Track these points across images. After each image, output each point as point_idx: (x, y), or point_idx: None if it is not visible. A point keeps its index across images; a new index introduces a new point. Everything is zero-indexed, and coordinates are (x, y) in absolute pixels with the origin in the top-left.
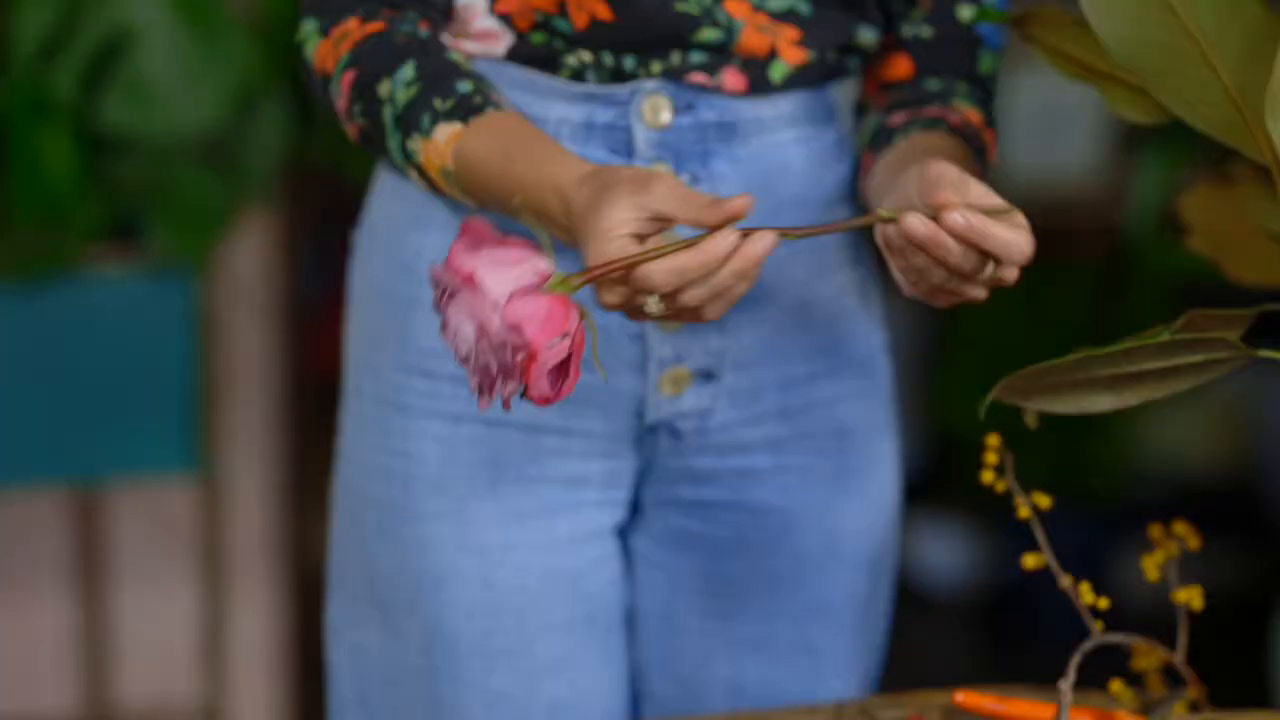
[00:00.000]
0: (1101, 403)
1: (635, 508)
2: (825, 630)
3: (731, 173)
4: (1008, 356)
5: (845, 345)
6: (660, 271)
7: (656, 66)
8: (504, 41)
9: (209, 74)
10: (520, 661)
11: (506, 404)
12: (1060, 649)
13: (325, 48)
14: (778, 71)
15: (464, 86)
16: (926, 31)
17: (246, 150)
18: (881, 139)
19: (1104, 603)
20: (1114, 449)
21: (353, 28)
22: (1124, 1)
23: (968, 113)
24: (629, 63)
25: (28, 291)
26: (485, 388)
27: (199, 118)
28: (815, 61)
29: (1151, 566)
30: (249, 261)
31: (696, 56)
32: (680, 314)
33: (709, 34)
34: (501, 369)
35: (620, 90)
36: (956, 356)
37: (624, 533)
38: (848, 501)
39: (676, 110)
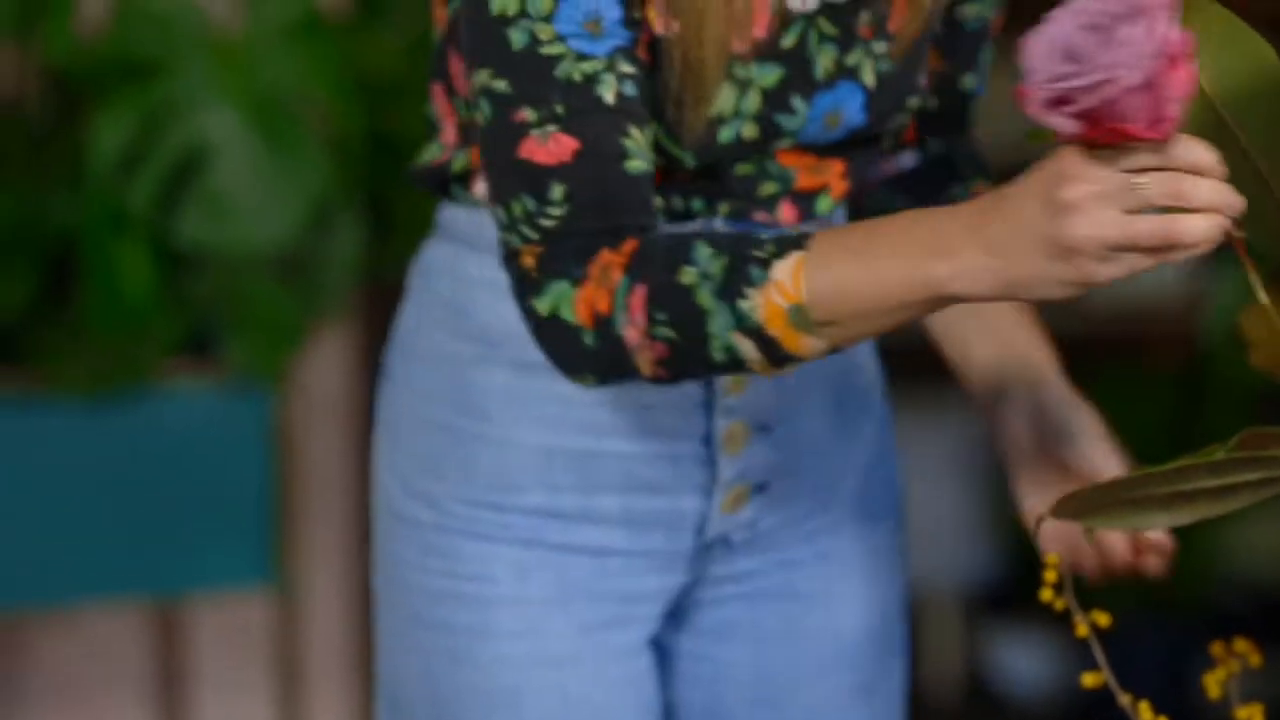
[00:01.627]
0: (1156, 521)
1: (675, 611)
2: (871, 712)
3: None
4: None
5: (865, 435)
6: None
7: (724, 208)
8: None
9: (285, 189)
10: None
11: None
12: None
13: (588, 292)
14: (824, 205)
15: (768, 234)
16: (932, 103)
17: (322, 265)
18: None
19: None
20: (1201, 556)
21: (608, 258)
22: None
23: (980, 190)
24: (697, 204)
25: (105, 406)
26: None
27: (275, 233)
28: (853, 190)
29: (1213, 684)
30: (325, 376)
31: (753, 202)
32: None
33: (768, 189)
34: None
35: (687, 224)
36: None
37: (658, 635)
38: (883, 585)
39: None
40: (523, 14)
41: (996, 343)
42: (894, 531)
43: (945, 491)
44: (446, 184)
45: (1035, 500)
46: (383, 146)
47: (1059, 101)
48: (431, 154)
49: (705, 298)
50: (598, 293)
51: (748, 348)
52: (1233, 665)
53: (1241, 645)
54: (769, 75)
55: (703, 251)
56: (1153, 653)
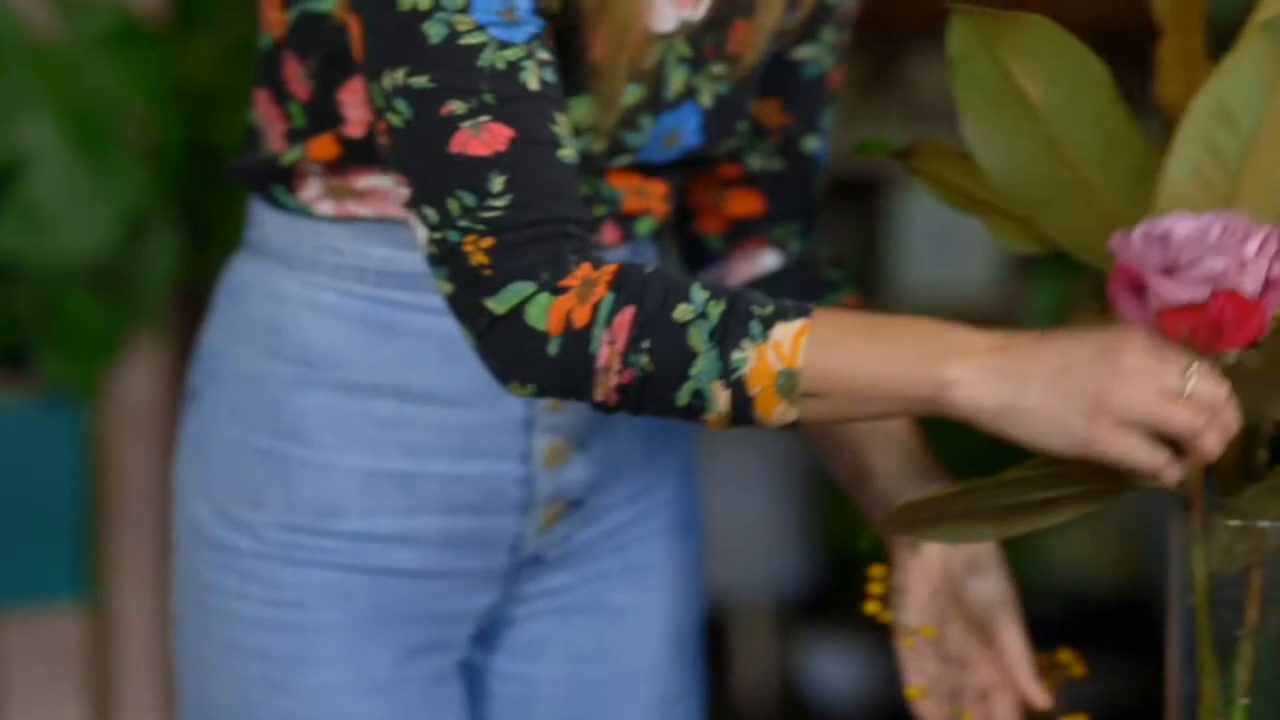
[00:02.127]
0: (984, 534)
1: (485, 631)
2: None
3: None
4: None
5: (674, 448)
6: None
7: None
8: (391, 201)
9: (101, 199)
10: None
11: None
12: None
13: (566, 303)
14: (644, 227)
15: (759, 293)
16: (776, 164)
17: (137, 276)
18: None
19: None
20: (1019, 566)
21: (591, 273)
22: (1007, 134)
23: (851, 304)
24: None
25: None
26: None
27: (90, 244)
28: (670, 215)
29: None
30: (139, 388)
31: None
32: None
33: (598, 211)
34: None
35: None
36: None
37: (468, 656)
38: (687, 598)
39: None
40: (437, 7)
41: (897, 458)
42: (697, 544)
43: (756, 501)
44: (267, 182)
45: (918, 670)
46: (199, 156)
47: (1126, 276)
48: (255, 153)
49: (698, 338)
50: (579, 306)
51: (721, 400)
52: (1057, 676)
53: (1065, 655)
54: (632, 94)
55: (700, 293)
56: None
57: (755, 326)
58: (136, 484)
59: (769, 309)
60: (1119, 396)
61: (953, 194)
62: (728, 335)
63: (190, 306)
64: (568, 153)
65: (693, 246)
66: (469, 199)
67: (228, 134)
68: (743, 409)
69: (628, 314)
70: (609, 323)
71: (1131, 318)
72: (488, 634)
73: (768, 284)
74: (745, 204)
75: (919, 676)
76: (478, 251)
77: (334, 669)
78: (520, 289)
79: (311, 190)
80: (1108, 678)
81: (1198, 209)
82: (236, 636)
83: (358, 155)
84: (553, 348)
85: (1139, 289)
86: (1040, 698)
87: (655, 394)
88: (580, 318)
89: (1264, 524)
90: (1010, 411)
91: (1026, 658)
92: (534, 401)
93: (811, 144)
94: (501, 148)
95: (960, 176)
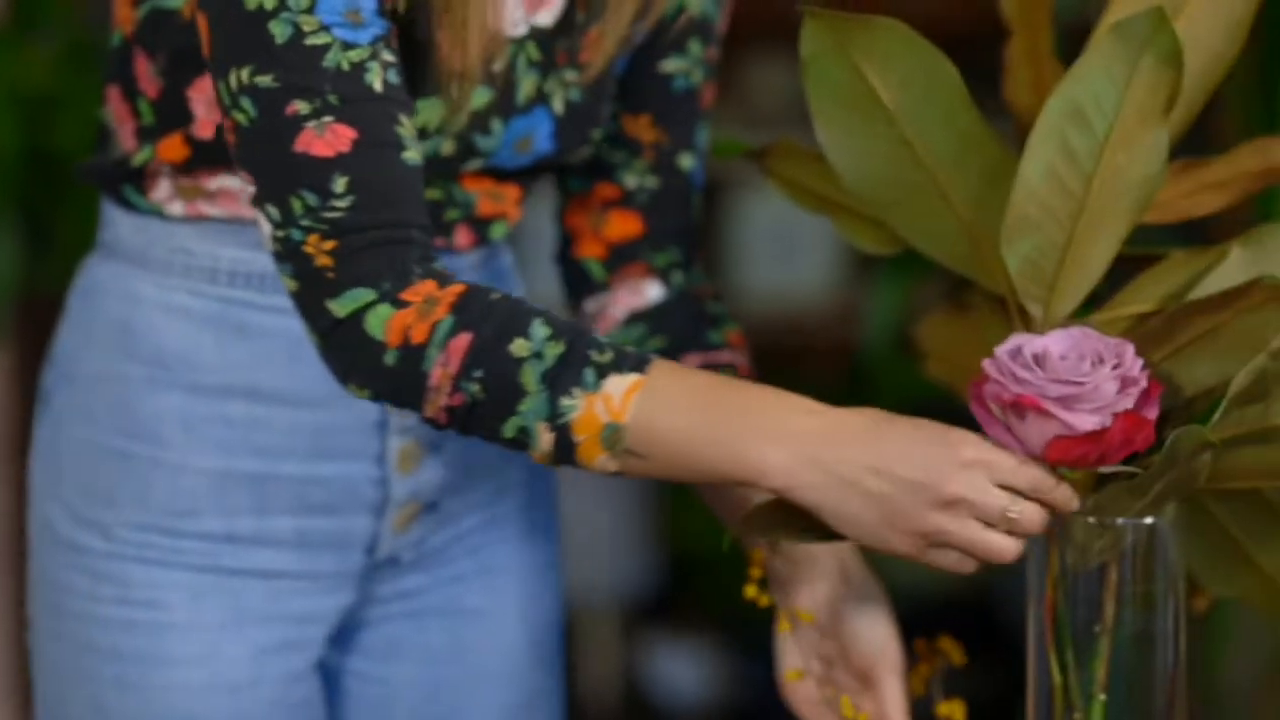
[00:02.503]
0: (836, 535)
1: (341, 632)
2: None
3: None
4: None
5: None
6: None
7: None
8: (242, 202)
9: None
10: None
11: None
12: None
13: (406, 317)
14: (498, 231)
15: (602, 338)
16: (652, 182)
17: None
18: None
19: None
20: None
21: (434, 291)
22: (861, 135)
23: (737, 341)
24: None
25: None
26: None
27: None
28: (523, 217)
29: (918, 681)
30: None
31: (438, 227)
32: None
33: (450, 214)
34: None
35: None
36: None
37: (324, 657)
38: (543, 600)
39: None
40: (282, 7)
41: None
42: (552, 545)
43: (600, 504)
44: (118, 182)
45: (801, 664)
46: (39, 161)
47: (1017, 404)
48: (106, 153)
49: (530, 377)
50: (418, 323)
51: (545, 440)
52: (936, 663)
53: (945, 643)
54: (481, 97)
55: (541, 329)
56: None
57: (589, 375)
58: None
59: (607, 356)
60: (962, 485)
61: (805, 195)
62: (560, 379)
63: (31, 313)
64: (412, 155)
65: (575, 274)
66: (312, 199)
67: (68, 138)
68: (565, 452)
69: (464, 340)
70: (444, 345)
71: (1004, 441)
72: (344, 635)
73: (652, 317)
74: (624, 226)
75: (795, 660)
76: (320, 253)
77: (188, 669)
78: (361, 295)
79: (162, 191)
80: (951, 679)
81: (1052, 209)
82: (89, 637)
83: (206, 157)
84: (389, 358)
85: (1020, 413)
86: None
87: (483, 421)
88: (417, 335)
89: (1121, 521)
90: (826, 507)
91: (900, 701)
92: (384, 410)
93: (686, 161)
94: (345, 148)
95: (813, 178)
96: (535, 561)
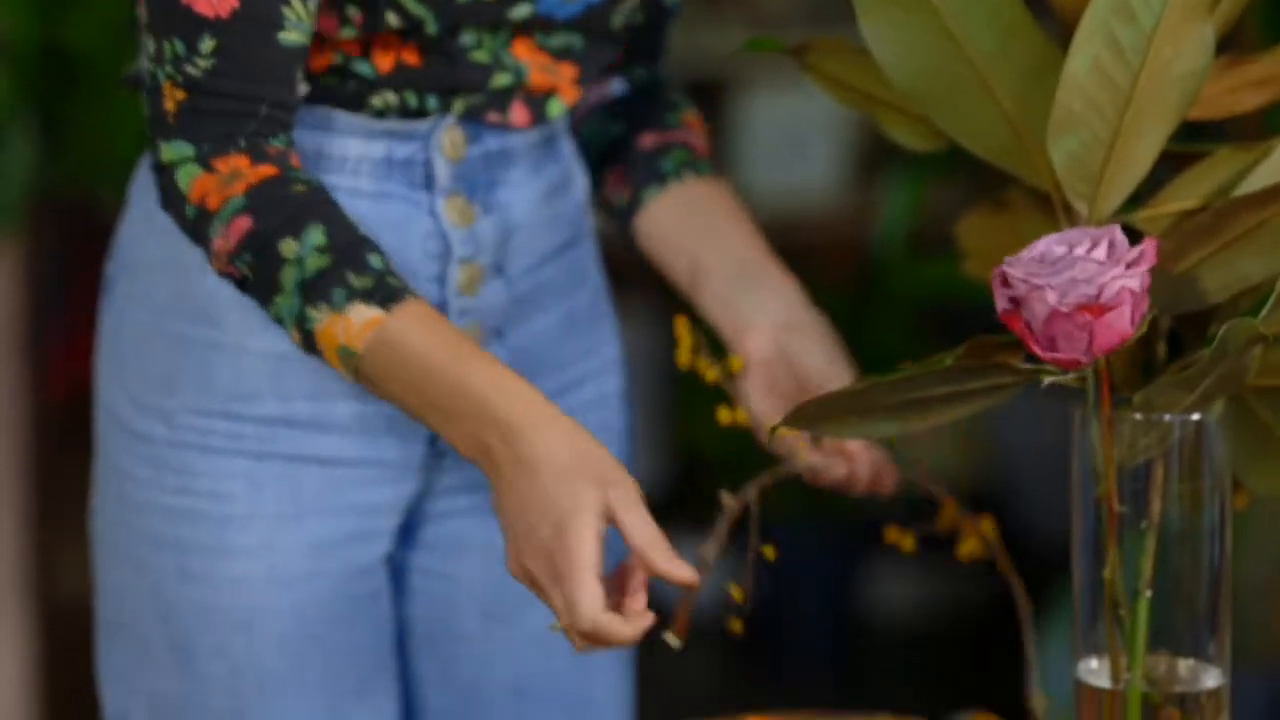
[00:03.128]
0: (887, 429)
1: (405, 526)
2: None
3: (511, 198)
4: None
5: (603, 347)
6: (588, 621)
7: (458, 106)
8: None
9: None
10: (331, 690)
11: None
12: (806, 666)
13: (208, 182)
14: (555, 109)
15: (375, 262)
16: (637, 17)
17: None
18: (639, 166)
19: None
20: None
21: (243, 167)
22: (905, 29)
23: (693, 122)
24: (432, 102)
25: None
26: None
27: None
28: (581, 102)
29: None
30: None
31: (487, 98)
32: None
33: (501, 79)
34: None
35: (420, 126)
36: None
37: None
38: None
39: (468, 141)
40: None
41: (731, 255)
42: (624, 445)
43: None
44: None
45: (768, 408)
46: (55, 57)
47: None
48: None
49: (288, 279)
50: (214, 192)
51: (295, 336)
52: (975, 543)
53: (988, 525)
54: None
55: (314, 237)
56: (820, 560)
57: (339, 295)
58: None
59: (364, 282)
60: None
61: (846, 92)
62: (312, 290)
63: (45, 211)
64: (291, 36)
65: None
66: (180, 49)
67: (85, 34)
68: (313, 353)
69: (244, 223)
70: (229, 221)
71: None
72: (409, 530)
73: (610, 106)
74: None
75: (756, 403)
76: (170, 99)
77: (248, 560)
78: (181, 149)
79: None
80: (963, 579)
81: (1098, 104)
82: (153, 527)
83: None
84: (189, 212)
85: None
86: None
87: (258, 299)
88: (212, 202)
89: (1168, 417)
90: (498, 494)
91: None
92: (444, 289)
93: None
94: (224, 14)
95: (854, 74)
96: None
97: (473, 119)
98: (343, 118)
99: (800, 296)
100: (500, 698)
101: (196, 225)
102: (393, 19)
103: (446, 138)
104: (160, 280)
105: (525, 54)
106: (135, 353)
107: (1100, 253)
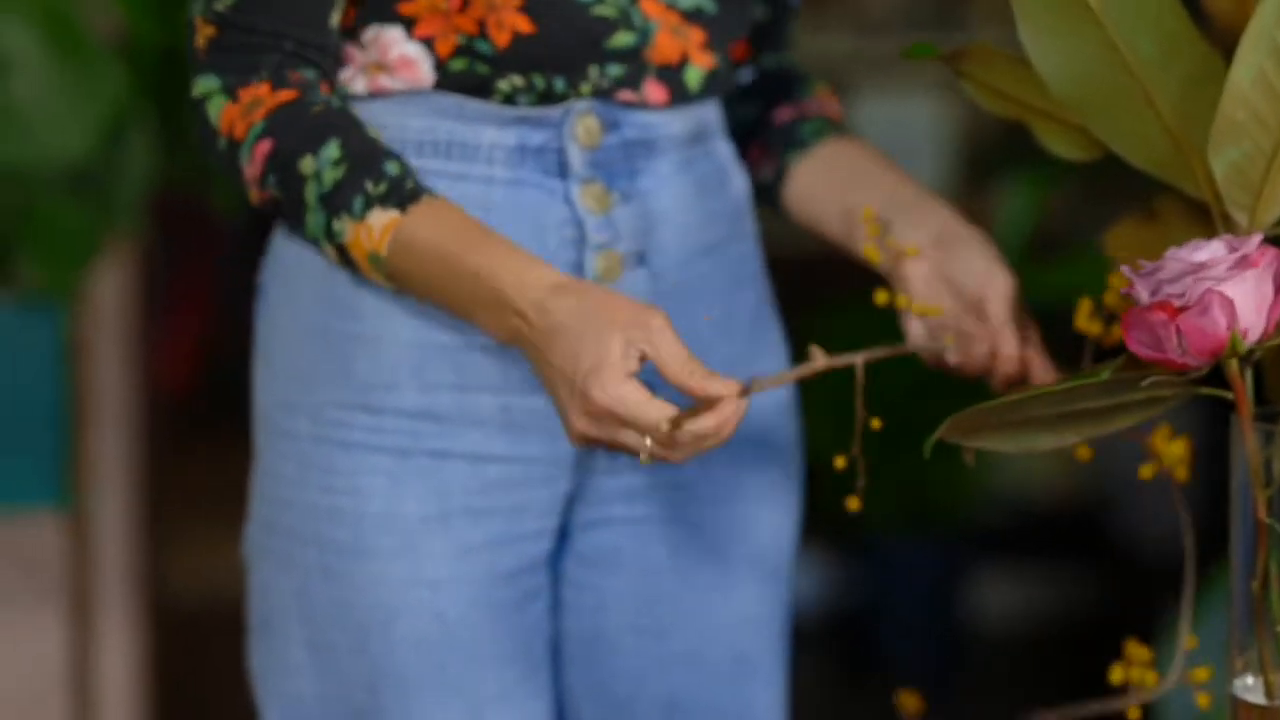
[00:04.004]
0: (1044, 441)
1: (561, 531)
2: (756, 640)
3: (656, 188)
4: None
5: (764, 356)
6: (681, 434)
7: (586, 87)
8: (423, 70)
9: (80, 101)
10: (470, 695)
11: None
12: (905, 670)
13: (233, 112)
14: (693, 78)
15: (392, 169)
16: (762, 13)
17: (115, 179)
18: (779, 137)
19: None
20: (963, 475)
21: (264, 94)
22: (1065, 37)
23: (825, 94)
24: (559, 84)
25: None
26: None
27: (70, 146)
28: (720, 67)
29: (1148, 471)
30: (114, 291)
31: (614, 69)
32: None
33: (625, 38)
34: None
35: (552, 112)
36: (809, 384)
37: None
38: (773, 512)
39: (604, 129)
40: None
41: (882, 192)
42: (787, 461)
43: None
44: None
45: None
46: (174, 58)
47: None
48: None
49: (310, 195)
50: (238, 120)
51: (330, 252)
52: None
53: (1178, 447)
54: None
55: (330, 151)
56: (922, 570)
57: (358, 203)
58: (112, 388)
59: (380, 188)
60: (582, 428)
61: (1000, 100)
62: (333, 202)
63: (161, 209)
64: None
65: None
66: None
67: None
68: (351, 266)
69: (265, 147)
70: (252, 148)
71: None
72: (561, 539)
73: (744, 92)
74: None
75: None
76: (201, 35)
77: (388, 561)
78: (209, 83)
79: (343, 73)
80: (1066, 586)
81: (1261, 115)
82: (296, 525)
83: (369, 13)
84: (220, 144)
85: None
86: (1038, 366)
87: (289, 219)
88: (238, 131)
89: None
90: (535, 357)
91: (1009, 324)
92: (581, 276)
93: None
94: None
95: (1009, 82)
96: (767, 476)
97: (605, 100)
98: (473, 105)
99: (952, 212)
100: (654, 713)
101: (230, 158)
102: None
103: (580, 124)
104: (305, 279)
105: (655, 11)
106: (282, 352)
107: (1204, 255)
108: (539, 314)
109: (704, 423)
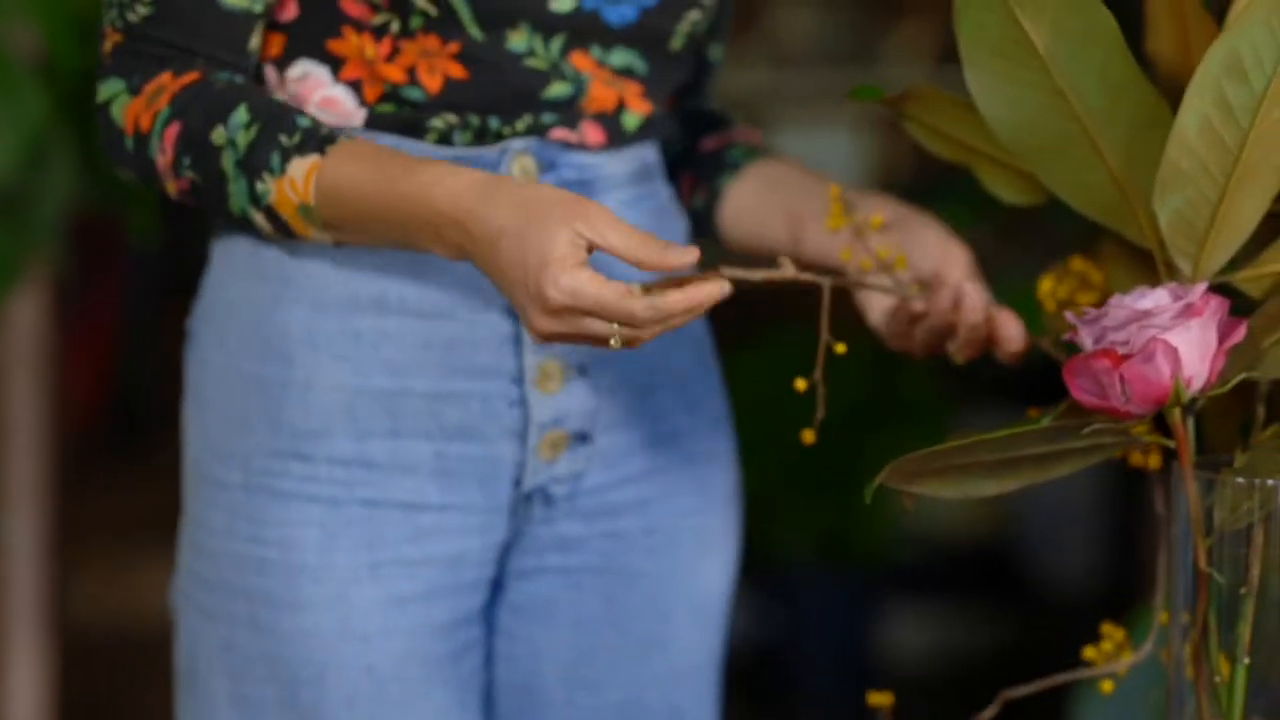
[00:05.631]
0: (985, 487)
1: (495, 582)
2: (691, 692)
3: None
4: (778, 421)
5: (703, 403)
6: (646, 308)
7: (521, 125)
8: (347, 108)
9: (3, 126)
10: None
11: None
12: (815, 707)
13: (137, 106)
14: (630, 122)
15: (304, 120)
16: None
17: (35, 201)
18: (709, 164)
19: None
20: (876, 511)
21: (166, 81)
22: (1012, 83)
23: (747, 129)
24: (494, 123)
25: None
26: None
27: None
28: (656, 113)
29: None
30: (28, 315)
31: (549, 116)
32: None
33: (559, 89)
34: None
35: (489, 152)
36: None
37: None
38: (709, 561)
39: (541, 169)
40: None
41: (824, 197)
42: (729, 508)
43: None
44: None
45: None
46: (89, 83)
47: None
48: None
49: (228, 164)
50: (143, 111)
51: (260, 220)
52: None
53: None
54: None
55: (239, 116)
56: (834, 604)
57: (275, 159)
58: (25, 412)
59: (295, 139)
60: (545, 326)
61: (945, 142)
62: (251, 165)
63: (78, 233)
64: (236, 2)
65: None
66: None
67: None
68: (286, 230)
69: (174, 129)
70: (161, 135)
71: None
72: (495, 589)
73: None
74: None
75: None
76: (110, 41)
77: (318, 614)
78: (114, 86)
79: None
80: (976, 622)
81: (1206, 163)
82: (224, 576)
83: (297, 42)
84: (129, 144)
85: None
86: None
87: (216, 204)
88: (144, 123)
89: (1271, 482)
90: (482, 260)
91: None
92: (519, 323)
93: (715, 53)
94: None
95: (954, 125)
96: (706, 524)
97: (542, 139)
98: (406, 144)
99: (898, 200)
100: None
101: (138, 153)
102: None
103: (516, 164)
104: (235, 322)
105: (586, 66)
106: (213, 399)
107: (1149, 303)
108: (476, 222)
109: (674, 299)
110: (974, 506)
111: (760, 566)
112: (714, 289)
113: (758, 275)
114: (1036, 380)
